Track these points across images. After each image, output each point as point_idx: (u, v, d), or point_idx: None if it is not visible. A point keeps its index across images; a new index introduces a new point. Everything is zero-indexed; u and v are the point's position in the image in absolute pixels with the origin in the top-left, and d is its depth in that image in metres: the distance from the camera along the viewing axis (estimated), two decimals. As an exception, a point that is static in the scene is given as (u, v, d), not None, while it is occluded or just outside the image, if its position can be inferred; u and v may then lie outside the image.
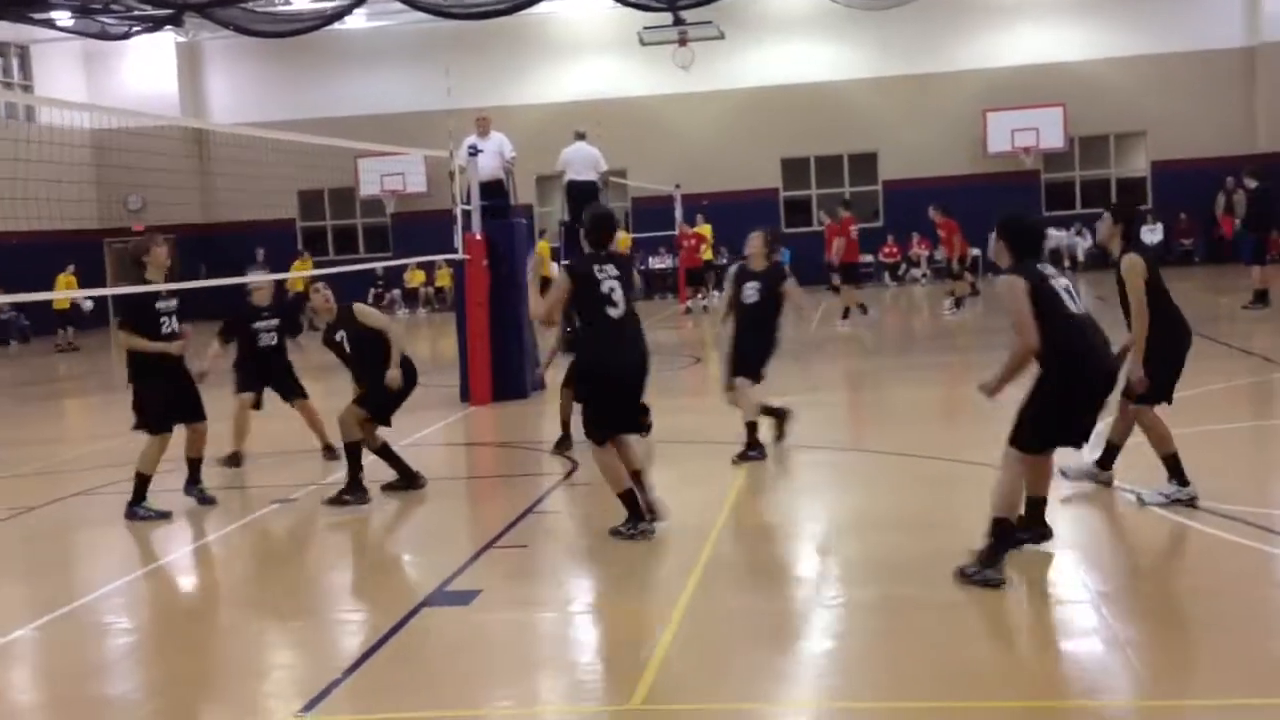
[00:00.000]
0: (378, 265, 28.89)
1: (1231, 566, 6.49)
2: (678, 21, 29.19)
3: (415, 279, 32.83)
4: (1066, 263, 31.30)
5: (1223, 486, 7.82)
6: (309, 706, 5.12)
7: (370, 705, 5.22)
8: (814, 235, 31.43)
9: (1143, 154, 32.00)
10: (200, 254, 32.42)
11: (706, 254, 27.63)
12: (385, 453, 9.22)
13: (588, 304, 7.43)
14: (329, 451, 10.54)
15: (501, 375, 13.98)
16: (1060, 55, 31.34)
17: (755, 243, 10.11)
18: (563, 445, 10.44)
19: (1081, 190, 32.39)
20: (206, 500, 9.27)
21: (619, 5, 27.88)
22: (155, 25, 29.27)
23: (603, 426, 7.48)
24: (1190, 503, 7.49)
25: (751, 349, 10.02)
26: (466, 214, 14.19)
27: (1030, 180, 31.87)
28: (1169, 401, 7.71)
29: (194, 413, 9.12)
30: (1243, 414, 11.07)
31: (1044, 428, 6.35)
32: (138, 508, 8.82)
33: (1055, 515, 7.88)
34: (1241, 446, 9.68)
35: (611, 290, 7.40)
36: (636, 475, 7.61)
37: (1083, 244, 31.40)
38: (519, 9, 27.81)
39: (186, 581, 7.73)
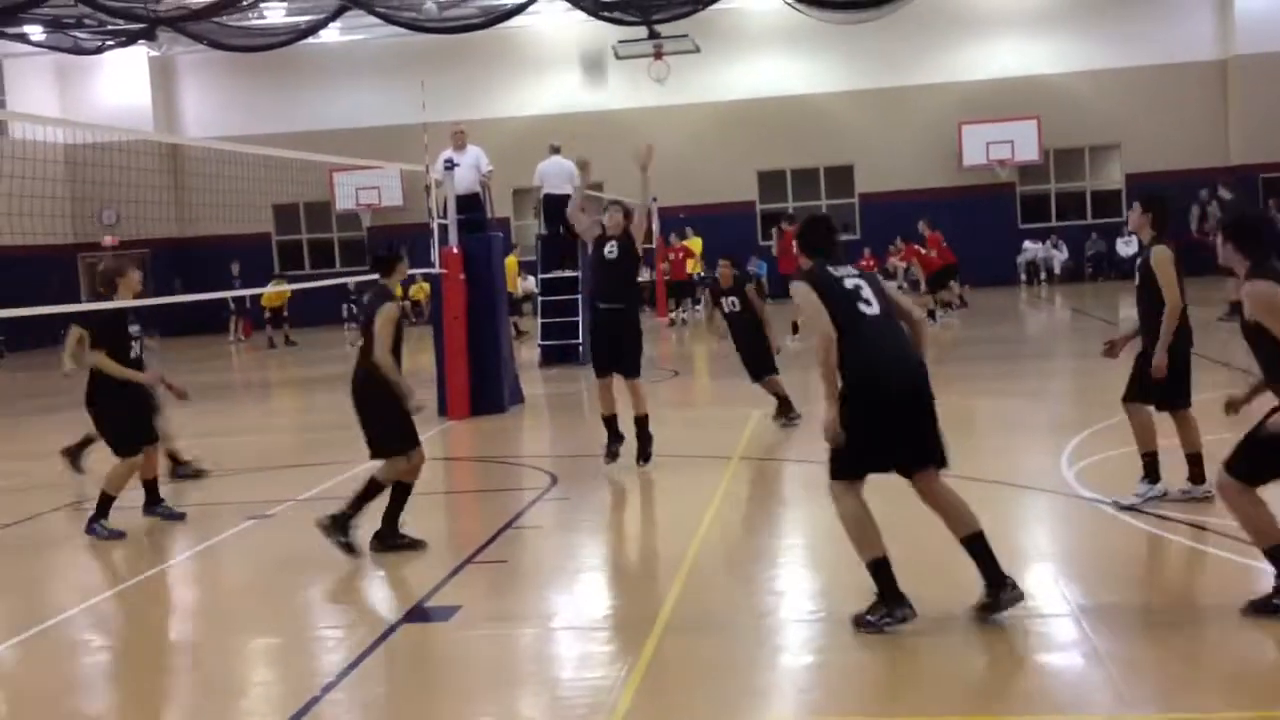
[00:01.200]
0: (351, 280, 28.78)
1: (1210, 579, 6.51)
2: (653, 35, 29.26)
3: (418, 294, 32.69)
4: (1043, 275, 31.50)
5: (1202, 500, 7.85)
6: (287, 725, 5.07)
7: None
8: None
9: (1117, 166, 32.22)
10: (175, 268, 32.27)
11: (694, 267, 27.69)
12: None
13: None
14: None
15: (479, 389, 13.93)
16: (1035, 68, 31.55)
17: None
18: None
19: (1057, 203, 32.58)
20: (174, 516, 9.23)
21: (594, 19, 27.92)
22: (128, 40, 29.14)
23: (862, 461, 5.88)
24: (1163, 497, 7.66)
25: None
26: (443, 228, 14.16)
27: (1005, 192, 32.05)
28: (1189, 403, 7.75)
29: (151, 435, 9.09)
30: (1218, 426, 11.13)
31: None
32: (97, 525, 8.74)
33: (1033, 527, 7.91)
34: (1216, 459, 9.71)
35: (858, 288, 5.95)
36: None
37: (1059, 256, 31.60)
38: (493, 23, 27.83)
39: (162, 598, 7.65)
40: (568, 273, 19.52)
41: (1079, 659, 5.46)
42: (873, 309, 5.85)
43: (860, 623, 5.82)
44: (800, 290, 5.89)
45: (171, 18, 26.58)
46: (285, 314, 26.60)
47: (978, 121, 31.28)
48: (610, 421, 10.19)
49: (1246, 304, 5.73)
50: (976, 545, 5.87)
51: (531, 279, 25.03)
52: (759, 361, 12.17)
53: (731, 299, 12.29)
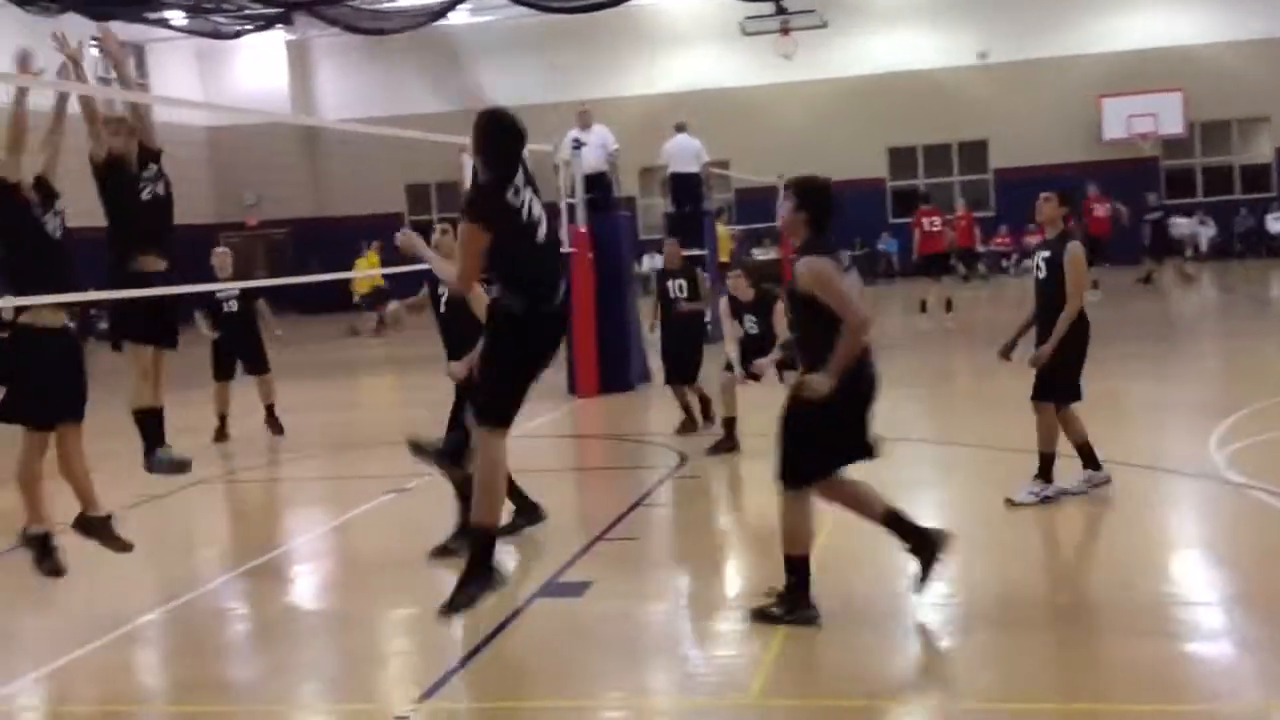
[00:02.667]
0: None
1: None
2: (780, 11, 28.97)
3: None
4: (1189, 252, 30.45)
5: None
6: (426, 695, 5.16)
7: (484, 695, 5.25)
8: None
9: (1267, 139, 30.96)
10: (312, 247, 33.07)
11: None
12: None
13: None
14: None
15: (608, 367, 14.01)
16: (1179, 39, 30.41)
17: (736, 280, 10.35)
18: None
19: (1204, 178, 31.46)
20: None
21: (722, -4, 27.77)
22: (266, 24, 29.83)
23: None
24: (1057, 497, 7.47)
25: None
26: (571, 207, 14.24)
27: (1149, 167, 31.03)
28: (1080, 398, 7.57)
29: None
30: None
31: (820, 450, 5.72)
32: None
33: (1180, 513, 7.66)
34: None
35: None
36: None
37: (1206, 233, 30.53)
38: (620, 1, 27.84)
39: (303, 570, 7.85)
40: (694, 251, 19.46)
41: (1229, 648, 5.28)
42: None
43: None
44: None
45: (307, 2, 27.13)
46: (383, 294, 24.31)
47: (1118, 94, 30.31)
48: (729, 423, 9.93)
49: (800, 277, 5.57)
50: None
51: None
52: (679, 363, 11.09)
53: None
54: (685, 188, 19.28)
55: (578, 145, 14.82)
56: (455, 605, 5.39)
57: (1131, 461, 8.66)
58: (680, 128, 19.22)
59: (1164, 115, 30.16)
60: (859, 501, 5.92)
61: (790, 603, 5.72)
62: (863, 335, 5.51)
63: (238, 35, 30.33)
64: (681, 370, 11.10)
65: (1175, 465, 8.67)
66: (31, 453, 6.33)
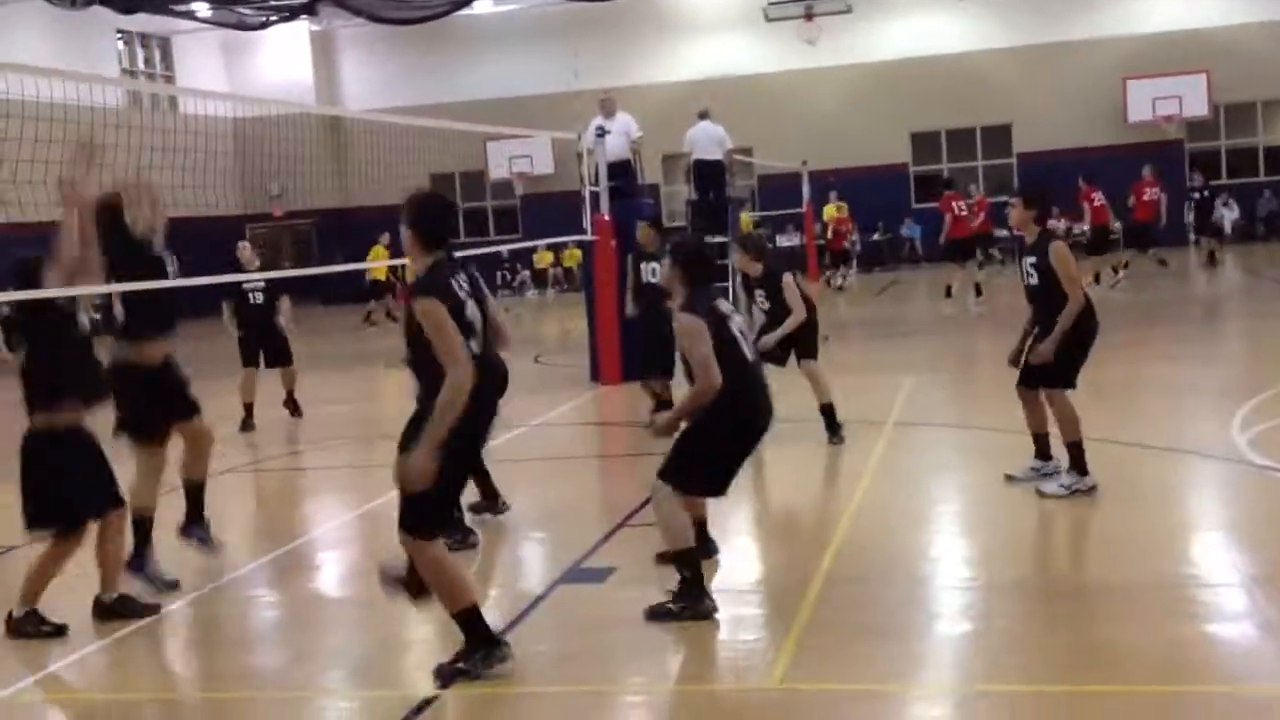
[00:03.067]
0: (504, 248, 29.22)
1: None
2: (804, -4, 28.91)
3: (544, 260, 33.14)
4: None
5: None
6: (446, 683, 5.21)
7: (507, 680, 5.29)
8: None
9: (1293, 120, 30.72)
10: (337, 237, 33.19)
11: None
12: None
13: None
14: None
15: (630, 355, 14.02)
16: (1203, 20, 30.16)
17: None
18: None
19: (1228, 160, 31.21)
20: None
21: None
22: (290, 15, 29.96)
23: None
24: (1090, 491, 7.32)
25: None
26: (594, 195, 14.26)
27: (1174, 149, 30.80)
28: (1073, 386, 7.52)
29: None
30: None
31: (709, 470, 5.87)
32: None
33: (1202, 494, 7.64)
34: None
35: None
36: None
37: (1230, 215, 30.28)
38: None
39: (328, 557, 7.93)
40: (718, 238, 19.47)
41: (1251, 630, 5.28)
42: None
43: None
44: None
45: (331, -8, 27.22)
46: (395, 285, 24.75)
47: (1143, 76, 30.09)
48: None
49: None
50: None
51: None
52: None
53: (654, 265, 10.53)
54: (708, 175, 19.25)
55: (601, 133, 14.83)
56: (444, 675, 5.17)
57: (1154, 444, 8.65)
58: (704, 114, 19.20)
59: (1188, 97, 29.93)
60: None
61: (682, 597, 5.76)
62: (707, 398, 5.69)
63: (263, 26, 30.48)
64: (656, 362, 10.51)
65: (1197, 448, 8.65)
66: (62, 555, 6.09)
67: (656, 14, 32.43)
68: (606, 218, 14.07)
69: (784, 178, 29.63)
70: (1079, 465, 7.44)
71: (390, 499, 8.84)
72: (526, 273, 33.34)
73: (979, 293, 20.16)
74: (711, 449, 5.82)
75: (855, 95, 31.97)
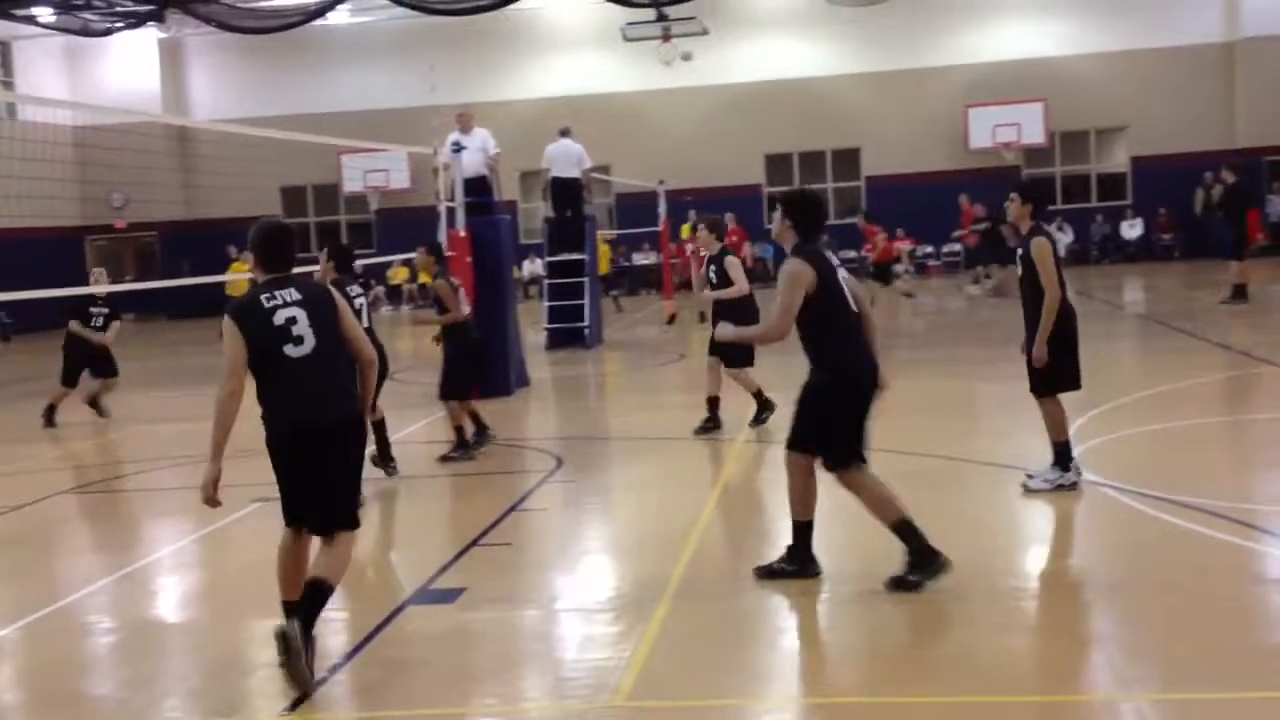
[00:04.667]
0: (357, 263, 28.80)
1: (1209, 560, 6.54)
2: (661, 18, 29.21)
3: (399, 276, 32.81)
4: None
5: (1198, 481, 7.90)
6: (294, 706, 5.14)
7: (354, 705, 5.24)
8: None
9: (1123, 149, 32.13)
10: (183, 251, 32.33)
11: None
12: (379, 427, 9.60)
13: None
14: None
15: (485, 372, 13.97)
16: (1041, 51, 31.43)
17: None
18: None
19: (1063, 185, 32.50)
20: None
21: (603, 1, 27.89)
22: (137, 21, 29.15)
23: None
24: (1073, 487, 7.79)
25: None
26: (451, 210, 14.19)
27: (1012, 175, 31.87)
28: (1078, 387, 7.96)
29: None
30: (1217, 409, 11.16)
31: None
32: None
33: (1031, 510, 7.95)
34: (1216, 441, 9.75)
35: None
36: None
37: (1065, 239, 31.51)
38: (502, 5, 27.79)
39: (168, 581, 7.72)
40: (575, 256, 19.56)
41: (1075, 640, 5.51)
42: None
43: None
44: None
45: None
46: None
47: (984, 104, 31.19)
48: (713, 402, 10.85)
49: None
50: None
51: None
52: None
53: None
54: (566, 193, 19.35)
55: (458, 148, 14.78)
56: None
57: (989, 460, 8.97)
58: (564, 132, 19.28)
59: (1026, 125, 31.11)
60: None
61: (797, 559, 6.35)
62: (768, 341, 6.35)
63: (108, 33, 29.57)
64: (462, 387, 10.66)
65: (1030, 464, 8.99)
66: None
67: (515, 31, 32.44)
68: (463, 234, 14.01)
69: (641, 196, 29.89)
70: (1063, 462, 7.88)
71: (230, 520, 8.69)
72: (381, 288, 32.96)
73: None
74: (830, 414, 6.12)
75: (711, 116, 32.44)
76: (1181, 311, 19.17)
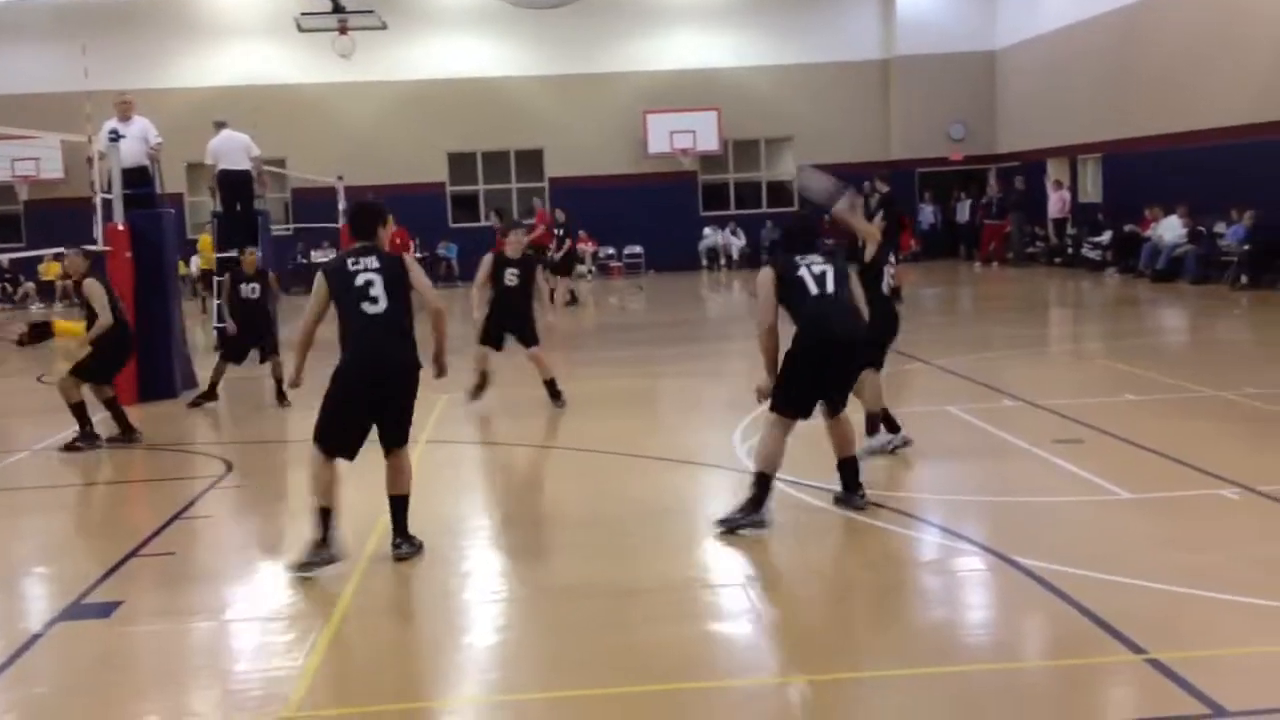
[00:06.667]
0: (4, 257, 26.72)
1: (865, 547, 6.94)
2: (337, 9, 28.50)
3: (51, 271, 30.54)
4: (722, 260, 32.71)
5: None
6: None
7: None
8: (480, 230, 31.48)
9: (791, 158, 33.78)
10: None
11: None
12: (112, 405, 10.60)
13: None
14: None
15: (147, 373, 13.21)
16: (714, 61, 32.62)
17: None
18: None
19: (735, 192, 33.86)
20: None
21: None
22: None
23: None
24: (905, 445, 8.95)
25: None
26: (108, 203, 13.32)
27: (688, 180, 33.03)
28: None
29: None
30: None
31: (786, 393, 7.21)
32: None
33: (705, 501, 8.22)
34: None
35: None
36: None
37: (737, 243, 32.86)
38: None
39: None
40: (247, 251, 18.74)
41: (747, 626, 5.71)
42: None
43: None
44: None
45: None
46: None
47: (662, 111, 32.10)
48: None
49: None
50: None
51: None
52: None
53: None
54: (236, 185, 18.52)
55: (115, 137, 13.86)
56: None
57: (665, 455, 9.21)
58: (221, 124, 18.42)
59: (701, 132, 32.22)
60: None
61: (745, 509, 7.14)
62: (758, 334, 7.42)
63: None
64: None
65: (704, 458, 9.30)
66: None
67: (178, 16, 30.85)
68: (121, 227, 13.19)
69: (320, 192, 29.06)
70: (891, 426, 8.95)
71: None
72: (31, 284, 30.62)
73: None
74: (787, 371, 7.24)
75: (392, 112, 31.90)
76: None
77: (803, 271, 7.23)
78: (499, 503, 8.60)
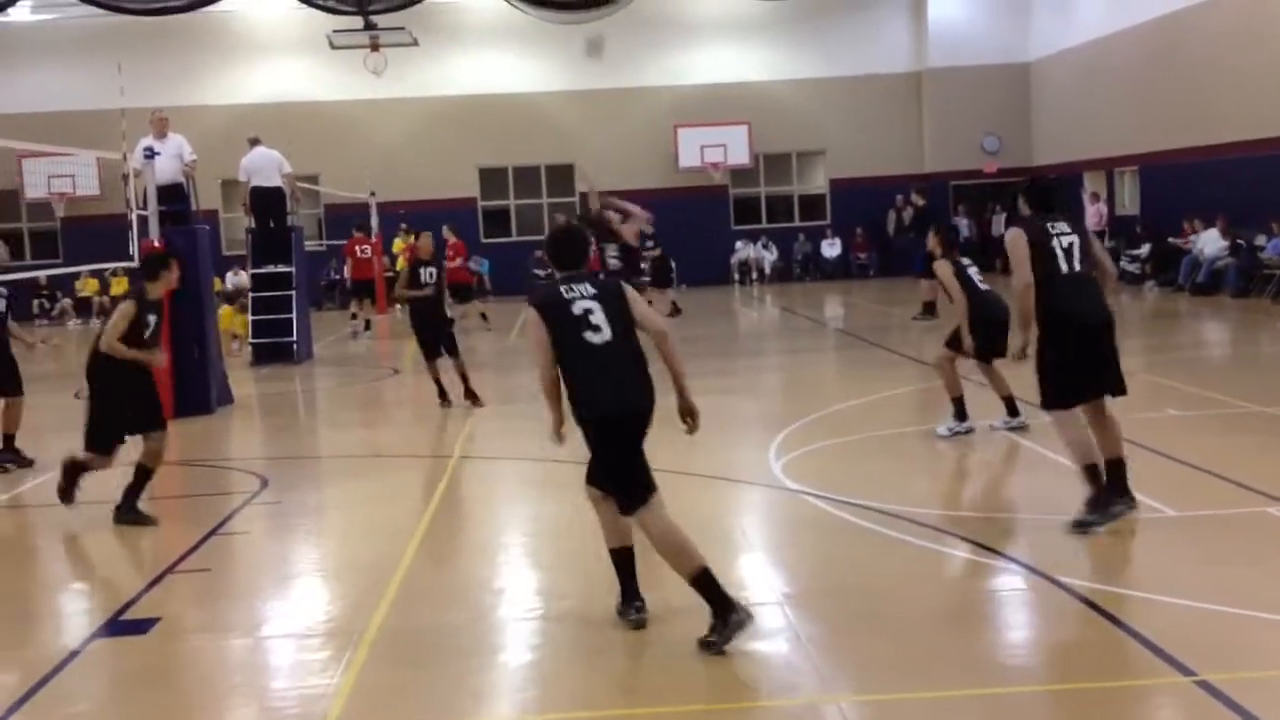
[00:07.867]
0: (42, 274, 26.96)
1: (905, 568, 6.84)
2: (369, 26, 28.66)
3: (88, 287, 30.84)
4: (754, 275, 32.63)
5: (893, 489, 8.28)
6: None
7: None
8: (512, 245, 31.55)
9: (822, 172, 33.70)
10: None
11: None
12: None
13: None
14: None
15: (184, 390, 13.27)
16: (745, 75, 32.60)
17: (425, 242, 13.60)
18: None
19: (767, 205, 33.80)
20: None
21: (305, 6, 27.12)
22: None
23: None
24: (968, 433, 9.93)
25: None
26: (143, 219, 13.41)
27: (720, 194, 33.00)
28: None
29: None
30: (910, 419, 11.77)
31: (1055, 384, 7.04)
32: None
33: (743, 519, 8.15)
34: (911, 451, 10.26)
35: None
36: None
37: (769, 257, 32.77)
38: (195, 7, 26.65)
39: None
40: (281, 268, 18.88)
41: (784, 645, 5.64)
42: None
43: None
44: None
45: None
46: None
47: (692, 125, 32.09)
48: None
49: None
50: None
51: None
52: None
53: (431, 270, 13.08)
54: (269, 203, 18.65)
55: (151, 154, 13.97)
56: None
57: (703, 472, 9.15)
58: (255, 141, 18.56)
59: (732, 146, 32.20)
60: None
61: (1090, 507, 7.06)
62: (1015, 293, 7.15)
63: None
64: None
65: (740, 475, 9.24)
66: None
67: (213, 34, 31.11)
68: (157, 243, 13.26)
69: (352, 207, 29.20)
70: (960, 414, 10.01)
71: None
72: (68, 300, 30.89)
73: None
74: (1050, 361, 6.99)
75: (423, 128, 32.04)
76: (877, 326, 20.23)
77: (1054, 244, 6.97)
78: (533, 519, 8.56)
